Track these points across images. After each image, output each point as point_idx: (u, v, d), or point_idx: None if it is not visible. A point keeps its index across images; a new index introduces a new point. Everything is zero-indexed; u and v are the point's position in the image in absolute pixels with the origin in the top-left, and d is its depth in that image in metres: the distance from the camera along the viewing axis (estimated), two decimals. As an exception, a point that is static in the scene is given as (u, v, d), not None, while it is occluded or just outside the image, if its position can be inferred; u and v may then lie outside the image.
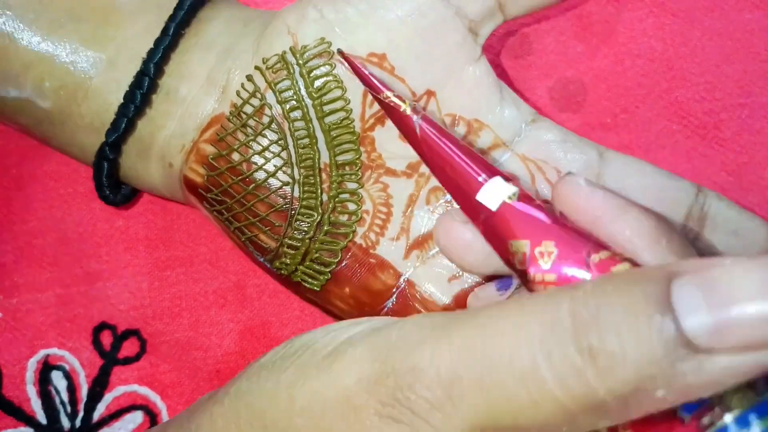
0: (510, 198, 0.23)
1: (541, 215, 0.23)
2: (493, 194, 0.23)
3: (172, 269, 0.34)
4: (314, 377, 0.20)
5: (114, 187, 0.31)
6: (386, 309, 0.29)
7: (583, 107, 0.33)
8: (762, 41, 0.35)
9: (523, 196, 0.23)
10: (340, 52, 0.27)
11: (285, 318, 0.34)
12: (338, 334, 0.21)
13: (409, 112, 0.25)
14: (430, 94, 0.28)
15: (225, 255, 0.34)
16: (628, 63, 0.35)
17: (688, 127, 0.35)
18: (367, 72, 0.26)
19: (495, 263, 0.25)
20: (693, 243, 0.29)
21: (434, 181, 0.29)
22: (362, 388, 0.19)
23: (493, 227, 0.23)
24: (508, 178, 0.24)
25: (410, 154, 0.28)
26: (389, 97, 0.26)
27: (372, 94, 0.27)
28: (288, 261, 0.29)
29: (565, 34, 0.35)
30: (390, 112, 0.26)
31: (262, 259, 0.29)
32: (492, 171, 0.24)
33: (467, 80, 0.29)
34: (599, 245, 0.22)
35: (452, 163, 0.24)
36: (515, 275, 0.24)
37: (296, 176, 0.28)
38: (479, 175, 0.24)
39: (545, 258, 0.22)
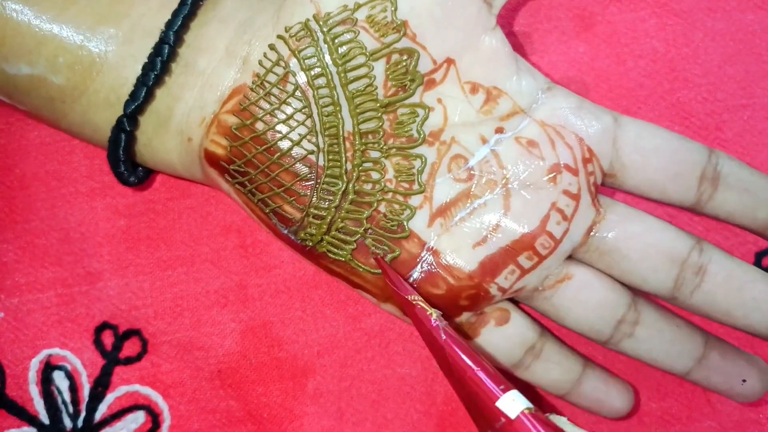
0: (528, 410, 0.25)
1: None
2: (512, 404, 0.25)
3: (174, 269, 0.34)
4: None
5: (129, 165, 0.31)
6: (412, 278, 0.29)
7: (585, 108, 0.33)
8: (764, 42, 0.35)
9: (536, 414, 0.25)
10: (375, 256, 0.29)
11: (287, 318, 0.34)
12: None
13: (435, 318, 0.27)
14: (449, 62, 0.29)
15: (227, 254, 0.34)
16: (630, 63, 0.35)
17: (690, 128, 0.34)
18: (392, 273, 0.28)
19: None
20: (708, 203, 0.29)
21: (455, 149, 0.29)
22: None
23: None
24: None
25: (432, 123, 0.29)
26: (417, 301, 0.28)
27: (395, 295, 0.28)
28: (313, 231, 0.29)
29: (567, 34, 0.35)
30: (411, 312, 0.28)
31: (285, 231, 0.29)
32: (508, 386, 0.26)
33: (484, 49, 0.29)
34: None
35: (474, 372, 0.26)
36: None
37: (321, 144, 0.28)
38: (500, 385, 0.26)
39: None
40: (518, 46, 0.34)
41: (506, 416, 0.25)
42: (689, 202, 0.29)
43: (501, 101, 0.29)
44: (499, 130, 0.29)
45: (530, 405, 0.25)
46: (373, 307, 0.34)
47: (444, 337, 0.27)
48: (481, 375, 0.26)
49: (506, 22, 0.35)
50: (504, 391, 0.26)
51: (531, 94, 0.29)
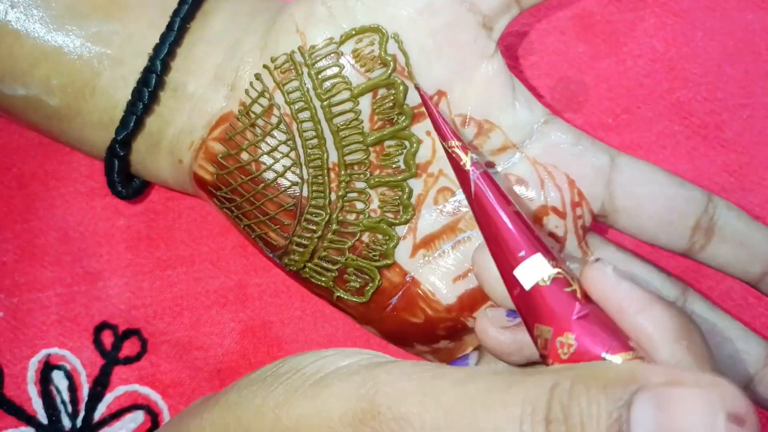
0: (544, 281, 0.23)
1: (570, 304, 0.23)
2: (529, 273, 0.24)
3: (174, 268, 0.34)
4: (300, 402, 0.20)
5: (125, 181, 0.31)
6: (391, 306, 0.29)
7: (584, 107, 0.33)
8: (764, 41, 0.35)
9: (559, 281, 0.23)
10: (418, 88, 0.28)
11: (286, 318, 0.34)
12: (327, 363, 0.21)
13: (468, 166, 0.25)
14: (441, 94, 0.28)
15: (226, 254, 0.34)
16: (629, 63, 0.35)
17: (689, 128, 0.35)
18: (438, 115, 0.27)
19: (525, 356, 0.26)
20: (699, 253, 0.29)
21: (442, 181, 0.29)
22: (346, 422, 0.19)
23: (524, 304, 0.24)
24: (552, 256, 0.24)
25: (420, 155, 0.29)
26: (453, 147, 0.26)
27: (439, 138, 0.27)
28: (297, 258, 0.29)
29: (566, 34, 0.35)
30: (452, 159, 0.26)
31: (271, 255, 0.30)
32: (536, 247, 0.24)
33: (479, 79, 0.28)
34: (620, 345, 0.22)
35: (500, 230, 0.24)
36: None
37: (305, 176, 0.28)
38: (521, 251, 0.24)
39: (564, 349, 0.22)
40: (518, 47, 0.34)
41: (521, 286, 0.24)
42: (680, 249, 0.29)
43: (492, 135, 0.29)
44: (489, 165, 0.29)
45: (551, 272, 0.23)
46: (372, 307, 0.34)
47: (473, 187, 0.25)
48: (506, 234, 0.24)
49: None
50: (525, 256, 0.24)
51: (525, 128, 0.29)
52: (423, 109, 0.28)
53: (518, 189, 0.29)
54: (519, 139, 0.29)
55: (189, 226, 0.34)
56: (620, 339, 0.22)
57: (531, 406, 0.18)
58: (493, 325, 0.27)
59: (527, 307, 0.23)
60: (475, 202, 0.25)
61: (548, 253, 0.24)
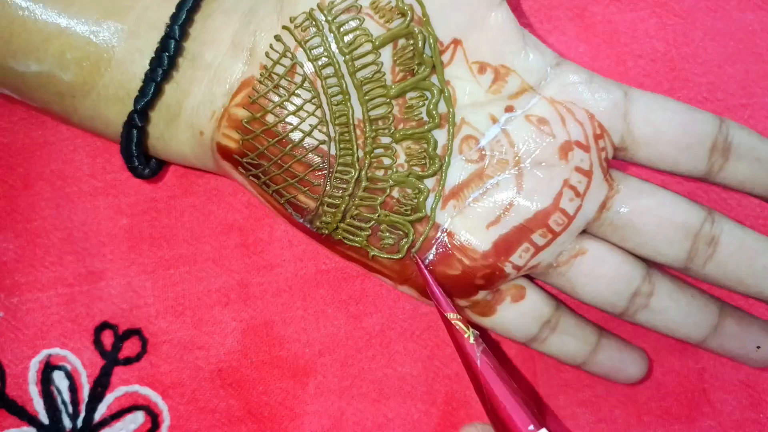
0: None
1: None
2: None
3: (176, 268, 0.34)
4: None
5: (142, 158, 0.31)
6: (428, 260, 0.29)
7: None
8: (764, 42, 0.35)
9: None
10: (416, 261, 0.29)
11: (288, 317, 0.34)
12: None
13: (472, 341, 0.27)
14: (456, 42, 0.29)
15: (228, 253, 0.34)
16: (630, 63, 0.35)
17: (690, 128, 0.35)
18: (436, 288, 0.28)
19: None
20: (719, 173, 0.30)
21: (466, 129, 0.29)
22: None
23: None
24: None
25: (441, 105, 0.29)
26: (454, 320, 0.28)
27: (437, 309, 0.28)
28: (328, 220, 0.29)
29: (567, 34, 0.35)
30: (451, 331, 0.28)
31: (301, 220, 0.30)
32: (540, 422, 0.26)
33: (491, 27, 0.29)
34: None
35: (506, 403, 0.26)
36: None
37: (332, 134, 0.29)
38: (530, 424, 0.26)
39: None
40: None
41: None
42: (700, 172, 0.30)
43: (509, 80, 0.29)
44: (509, 109, 0.29)
45: None
46: (374, 307, 0.34)
47: (479, 361, 0.27)
48: (512, 407, 0.26)
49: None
50: (534, 430, 0.26)
51: (540, 71, 0.29)
52: (442, 57, 0.29)
53: (541, 128, 0.29)
54: (535, 82, 0.29)
55: (191, 225, 0.34)
56: None
57: None
58: None
59: None
60: (480, 374, 0.27)
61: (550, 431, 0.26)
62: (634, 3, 0.35)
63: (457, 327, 0.28)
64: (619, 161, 0.31)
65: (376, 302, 0.34)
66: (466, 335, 0.28)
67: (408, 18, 0.28)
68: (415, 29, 0.28)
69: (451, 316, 0.28)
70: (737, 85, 0.35)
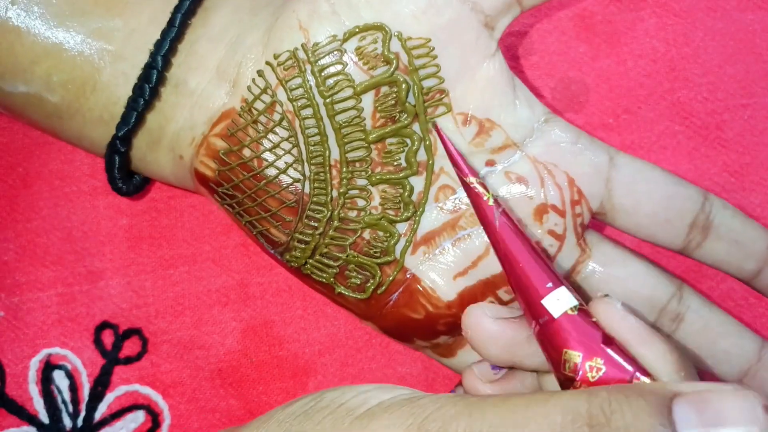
0: (572, 310, 0.25)
1: (595, 332, 0.25)
2: (558, 303, 0.25)
3: (175, 267, 0.34)
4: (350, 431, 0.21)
5: (126, 178, 0.31)
6: (392, 302, 0.29)
7: (585, 107, 0.33)
8: (764, 42, 0.35)
9: (583, 311, 0.25)
10: (435, 126, 0.28)
11: (288, 317, 0.34)
12: (369, 397, 0.22)
13: (491, 203, 0.27)
14: (442, 93, 0.28)
15: (228, 253, 0.34)
16: (630, 63, 0.35)
17: (690, 128, 0.35)
18: (455, 152, 0.28)
19: (514, 358, 0.27)
20: (696, 251, 0.30)
21: (444, 179, 0.29)
22: None
23: (550, 332, 0.25)
24: (573, 289, 0.26)
25: (421, 152, 0.29)
26: (473, 183, 0.27)
27: (457, 174, 0.28)
28: (298, 254, 0.29)
29: (567, 34, 0.35)
30: (470, 194, 0.27)
31: (273, 251, 0.30)
32: (559, 280, 0.26)
33: (481, 78, 0.28)
34: (643, 371, 0.24)
35: (524, 263, 0.26)
36: (536, 374, 0.28)
37: (307, 173, 0.28)
38: (548, 282, 0.26)
39: (593, 372, 0.24)
40: (518, 47, 0.35)
41: (550, 314, 0.25)
42: (677, 247, 0.30)
43: (494, 134, 0.29)
44: (490, 163, 0.29)
45: (576, 303, 0.25)
46: (374, 307, 0.34)
47: (497, 222, 0.27)
48: (531, 267, 0.26)
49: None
50: (552, 287, 0.25)
51: (526, 127, 0.29)
52: (426, 106, 0.28)
53: (518, 187, 0.29)
54: (520, 138, 0.29)
55: (191, 225, 0.34)
56: (640, 365, 0.24)
57: (571, 414, 0.20)
58: (481, 380, 0.28)
59: (553, 334, 0.25)
60: (499, 236, 0.27)
61: (570, 288, 0.26)
62: (635, 3, 0.35)
63: (477, 190, 0.27)
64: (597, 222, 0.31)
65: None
66: (485, 197, 0.27)
67: (393, 66, 0.27)
68: (400, 78, 0.28)
69: (471, 179, 0.27)
70: (737, 85, 0.35)
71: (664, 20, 0.35)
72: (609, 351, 0.24)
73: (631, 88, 0.35)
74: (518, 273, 0.26)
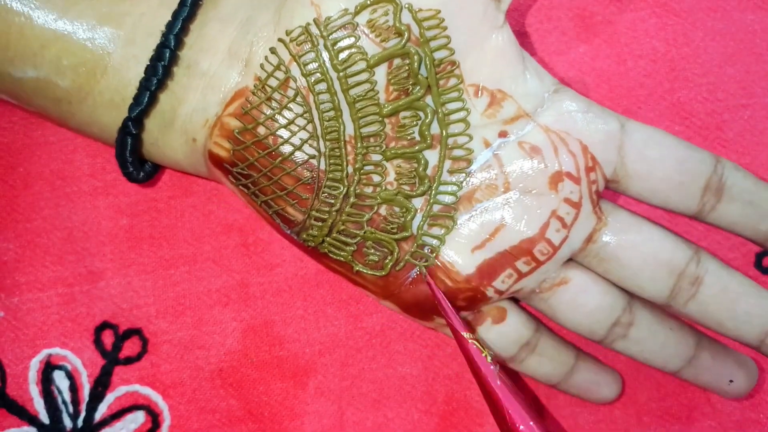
0: None
1: None
2: None
3: (176, 267, 0.34)
4: None
5: (137, 164, 0.31)
6: (410, 278, 0.29)
7: (585, 107, 0.33)
8: (765, 42, 0.35)
9: None
10: (427, 280, 0.29)
11: (288, 317, 0.34)
12: None
13: (490, 360, 0.28)
14: (453, 64, 0.28)
15: (228, 253, 0.34)
16: (630, 63, 0.35)
17: (690, 128, 0.35)
18: (449, 309, 0.28)
19: None
20: (710, 214, 0.30)
21: (458, 152, 0.29)
22: None
23: None
24: None
25: (434, 126, 0.29)
26: (472, 340, 0.28)
27: (451, 329, 0.29)
28: (315, 233, 0.29)
29: (567, 34, 0.35)
30: (465, 349, 0.28)
31: (289, 231, 0.30)
32: None
33: (490, 50, 0.29)
34: None
35: (521, 424, 0.27)
36: None
37: (322, 149, 0.28)
38: None
39: None
40: (519, 47, 0.35)
41: None
42: (691, 211, 0.30)
43: (505, 104, 0.29)
44: (503, 134, 0.29)
45: None
46: (374, 307, 0.34)
47: (498, 382, 0.28)
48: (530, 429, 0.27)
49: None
50: None
51: (537, 97, 0.29)
52: (438, 78, 0.28)
53: (533, 156, 0.29)
54: (531, 108, 0.29)
55: (192, 225, 0.34)
56: None
57: None
58: None
59: None
60: (497, 397, 0.28)
61: None
62: (635, 3, 0.35)
63: (475, 346, 0.28)
64: (610, 191, 0.31)
65: (376, 302, 0.34)
66: (483, 354, 0.28)
67: (404, 38, 0.28)
68: (412, 49, 0.28)
69: (468, 336, 0.28)
70: (737, 85, 0.35)
71: (664, 20, 0.35)
72: None
73: (631, 88, 0.35)
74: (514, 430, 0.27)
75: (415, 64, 0.28)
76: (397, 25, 0.28)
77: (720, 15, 0.35)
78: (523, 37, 0.35)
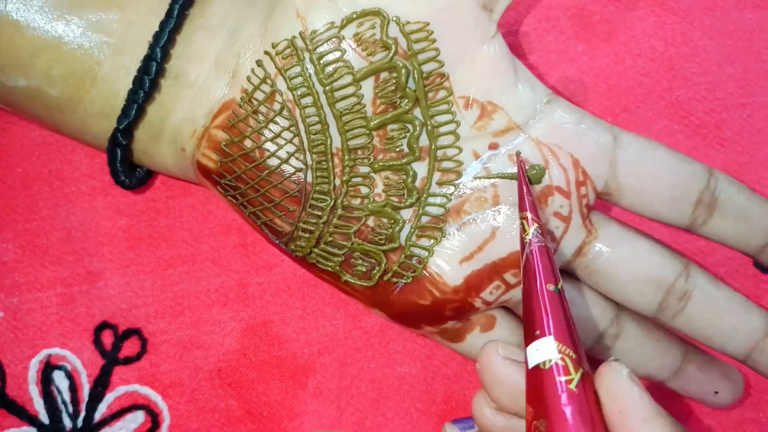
0: (543, 364, 0.24)
1: (556, 392, 0.23)
2: (536, 353, 0.24)
3: (175, 267, 0.34)
4: None
5: (129, 171, 0.31)
6: (398, 288, 0.29)
7: (583, 107, 0.33)
8: (763, 41, 0.35)
9: (558, 368, 0.24)
10: (518, 156, 0.28)
11: (287, 317, 0.34)
12: None
13: (529, 237, 0.26)
14: (442, 76, 0.28)
15: (227, 253, 0.34)
16: (628, 62, 0.35)
17: (689, 127, 0.35)
18: (525, 188, 0.27)
19: (517, 407, 0.26)
20: (702, 227, 0.30)
21: (446, 164, 0.29)
22: None
23: (527, 381, 0.24)
24: (571, 343, 0.24)
25: (423, 138, 0.29)
26: (524, 217, 0.27)
27: (520, 204, 0.28)
28: (303, 244, 0.29)
29: (565, 33, 0.35)
30: (521, 228, 0.27)
31: (277, 241, 0.30)
32: (553, 330, 0.24)
33: (481, 61, 0.28)
34: None
35: (531, 305, 0.25)
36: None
37: (309, 162, 0.28)
38: (537, 329, 0.24)
39: None
40: (517, 46, 0.35)
41: (526, 363, 0.24)
42: (683, 224, 0.30)
43: (496, 117, 0.29)
44: (493, 147, 0.29)
45: (555, 357, 0.24)
46: (373, 306, 0.34)
47: (523, 258, 0.26)
48: (539, 307, 0.25)
49: (504, 21, 0.34)
50: (540, 335, 0.24)
51: (528, 109, 0.29)
52: (427, 90, 0.28)
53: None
54: (522, 120, 0.29)
55: (190, 225, 0.34)
56: None
57: None
58: (498, 352, 0.26)
59: (527, 385, 0.24)
60: (522, 272, 0.26)
61: (567, 339, 0.24)
62: (633, 2, 0.35)
63: (522, 222, 0.27)
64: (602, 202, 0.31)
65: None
66: (524, 232, 0.27)
67: (391, 52, 0.27)
68: (399, 63, 0.28)
69: (523, 214, 0.27)
70: (736, 84, 0.35)
71: (662, 19, 0.35)
72: (558, 414, 0.23)
73: (630, 87, 0.35)
74: (525, 313, 0.25)
75: (403, 77, 0.28)
76: (384, 38, 0.27)
77: (718, 14, 0.35)
78: (521, 36, 0.35)
